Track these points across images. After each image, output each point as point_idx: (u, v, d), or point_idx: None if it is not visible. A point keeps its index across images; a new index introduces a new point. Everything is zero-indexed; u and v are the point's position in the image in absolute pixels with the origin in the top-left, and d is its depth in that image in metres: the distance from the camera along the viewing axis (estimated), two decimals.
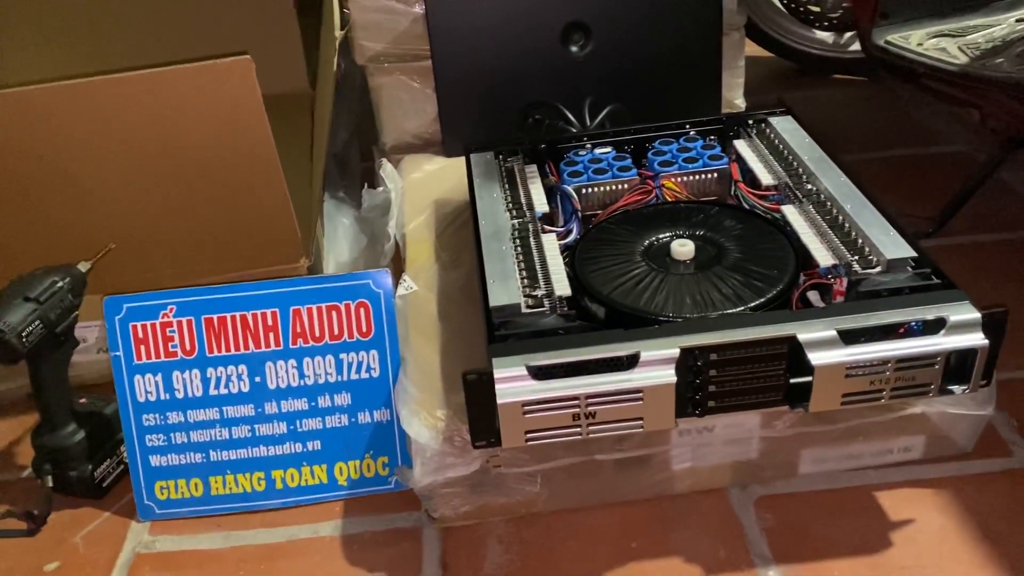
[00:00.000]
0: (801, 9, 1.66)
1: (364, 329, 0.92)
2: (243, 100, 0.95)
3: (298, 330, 0.92)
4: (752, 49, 1.53)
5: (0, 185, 0.98)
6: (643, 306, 0.78)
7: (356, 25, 1.20)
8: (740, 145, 1.01)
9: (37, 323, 0.87)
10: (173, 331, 0.92)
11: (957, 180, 1.26)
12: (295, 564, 0.88)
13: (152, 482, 0.93)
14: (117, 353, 0.92)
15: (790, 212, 0.88)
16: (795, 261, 0.82)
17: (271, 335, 0.92)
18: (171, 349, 0.92)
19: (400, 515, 0.92)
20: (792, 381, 0.73)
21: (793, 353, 0.72)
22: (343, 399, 0.93)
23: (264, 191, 1.01)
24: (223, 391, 0.93)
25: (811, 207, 0.88)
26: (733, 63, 1.30)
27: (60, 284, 0.90)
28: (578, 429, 0.72)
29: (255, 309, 0.92)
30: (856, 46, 1.67)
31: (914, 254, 0.78)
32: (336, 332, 0.92)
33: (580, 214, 0.95)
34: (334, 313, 0.92)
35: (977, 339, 0.71)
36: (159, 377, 0.92)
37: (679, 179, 0.97)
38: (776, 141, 1.00)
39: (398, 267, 1.05)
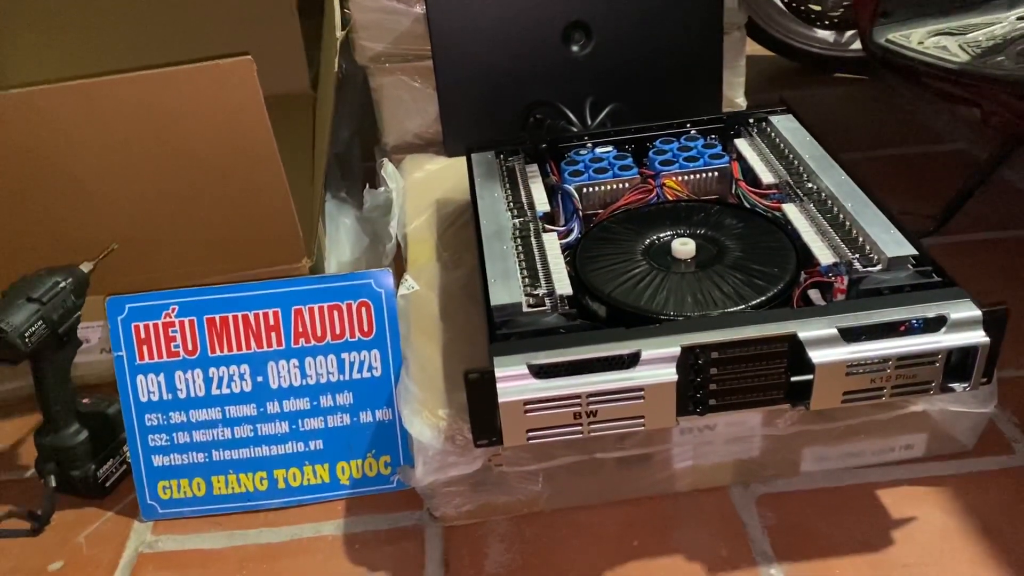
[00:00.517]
0: (802, 8, 1.66)
1: (366, 329, 0.92)
2: (245, 100, 0.95)
3: (300, 330, 0.92)
4: (753, 48, 1.53)
5: (2, 186, 0.98)
6: (644, 305, 0.78)
7: (357, 25, 1.20)
8: (741, 144, 1.01)
9: (40, 324, 0.87)
10: (175, 331, 0.92)
11: (958, 178, 1.26)
12: (297, 563, 0.88)
13: (155, 482, 0.94)
14: (120, 353, 0.92)
15: (791, 210, 0.88)
16: (796, 259, 0.82)
17: (273, 335, 0.92)
18: (173, 349, 0.92)
19: (402, 514, 0.92)
20: (793, 379, 0.73)
21: (794, 351, 0.72)
22: (345, 398, 0.93)
23: (266, 191, 1.01)
24: (225, 391, 0.93)
25: (812, 205, 0.88)
26: (734, 62, 1.29)
27: (63, 284, 0.90)
28: (579, 428, 0.72)
29: (257, 309, 0.92)
30: (857, 45, 1.67)
31: (915, 252, 0.78)
32: (338, 332, 0.92)
33: (581, 213, 0.95)
34: (336, 313, 0.92)
35: (978, 337, 0.71)
36: (161, 377, 0.92)
37: (680, 178, 0.97)
38: (777, 140, 1.00)
39: (399, 267, 1.05)
